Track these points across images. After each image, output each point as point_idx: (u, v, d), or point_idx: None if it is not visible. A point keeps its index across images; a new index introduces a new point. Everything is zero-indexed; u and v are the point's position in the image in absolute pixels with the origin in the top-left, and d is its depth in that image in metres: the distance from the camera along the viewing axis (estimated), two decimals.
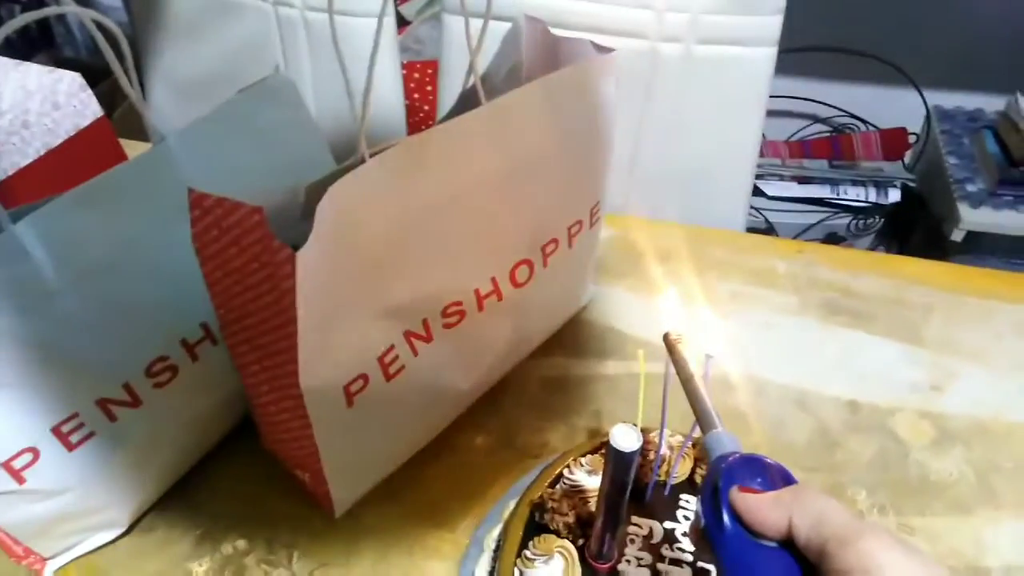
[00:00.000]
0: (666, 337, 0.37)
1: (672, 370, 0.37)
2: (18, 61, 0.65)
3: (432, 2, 1.41)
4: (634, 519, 0.44)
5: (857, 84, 1.46)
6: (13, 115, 0.59)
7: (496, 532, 0.48)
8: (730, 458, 0.31)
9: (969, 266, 0.70)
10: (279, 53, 0.87)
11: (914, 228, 1.41)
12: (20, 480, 0.41)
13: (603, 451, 0.47)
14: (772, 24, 0.75)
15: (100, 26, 0.36)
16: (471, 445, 0.55)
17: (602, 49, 0.47)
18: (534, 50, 0.51)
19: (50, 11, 0.32)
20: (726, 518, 0.30)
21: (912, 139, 1.47)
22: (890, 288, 0.67)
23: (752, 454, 0.32)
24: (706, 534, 0.31)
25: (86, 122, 0.66)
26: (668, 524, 0.44)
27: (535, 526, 0.44)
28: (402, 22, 1.38)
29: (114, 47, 0.38)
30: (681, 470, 0.45)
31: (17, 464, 0.41)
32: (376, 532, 0.50)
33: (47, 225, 0.39)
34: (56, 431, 0.42)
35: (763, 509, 0.29)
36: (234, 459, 0.54)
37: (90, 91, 0.66)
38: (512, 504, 0.48)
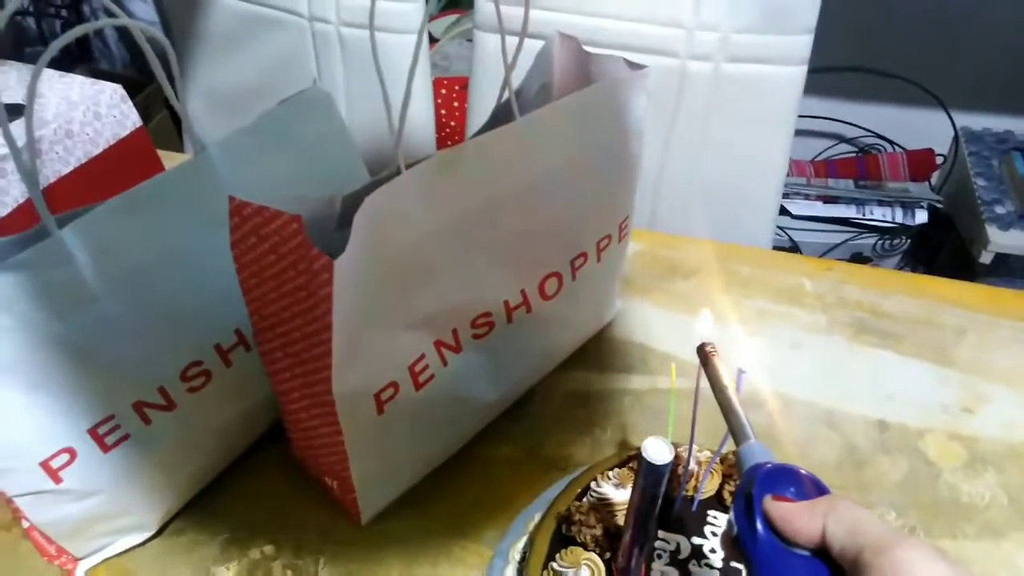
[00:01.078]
0: (701, 348, 0.37)
1: (703, 384, 0.37)
2: (63, 73, 0.67)
3: (460, 20, 1.42)
4: (661, 534, 0.44)
5: (884, 105, 1.45)
6: (57, 125, 0.61)
7: (521, 544, 0.48)
8: (764, 467, 0.31)
9: (1001, 288, 0.69)
10: (314, 68, 0.89)
11: (941, 249, 1.40)
12: (57, 480, 0.42)
13: (631, 464, 0.47)
14: (802, 44, 0.75)
15: (150, 39, 0.37)
16: (496, 456, 0.55)
17: (634, 66, 0.48)
18: (567, 67, 0.52)
19: (105, 23, 0.33)
20: (759, 526, 0.30)
21: (939, 160, 1.46)
22: (920, 308, 0.66)
23: (786, 464, 0.32)
24: (739, 542, 0.31)
25: (125, 132, 0.67)
26: (696, 540, 0.43)
27: (562, 538, 0.44)
28: (431, 39, 1.40)
29: (162, 60, 0.39)
30: (709, 486, 0.45)
31: (55, 464, 0.42)
32: (402, 541, 0.50)
33: (91, 231, 0.40)
34: (92, 432, 0.43)
35: (797, 517, 0.29)
36: (262, 465, 0.54)
37: (130, 102, 0.68)
38: (537, 516, 0.48)
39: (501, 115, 0.48)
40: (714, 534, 0.44)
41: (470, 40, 1.29)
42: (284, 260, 0.38)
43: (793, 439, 0.56)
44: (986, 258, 1.27)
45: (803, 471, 0.32)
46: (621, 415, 0.58)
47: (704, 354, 0.37)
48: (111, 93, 0.66)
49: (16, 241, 0.40)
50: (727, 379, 0.36)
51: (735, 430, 0.34)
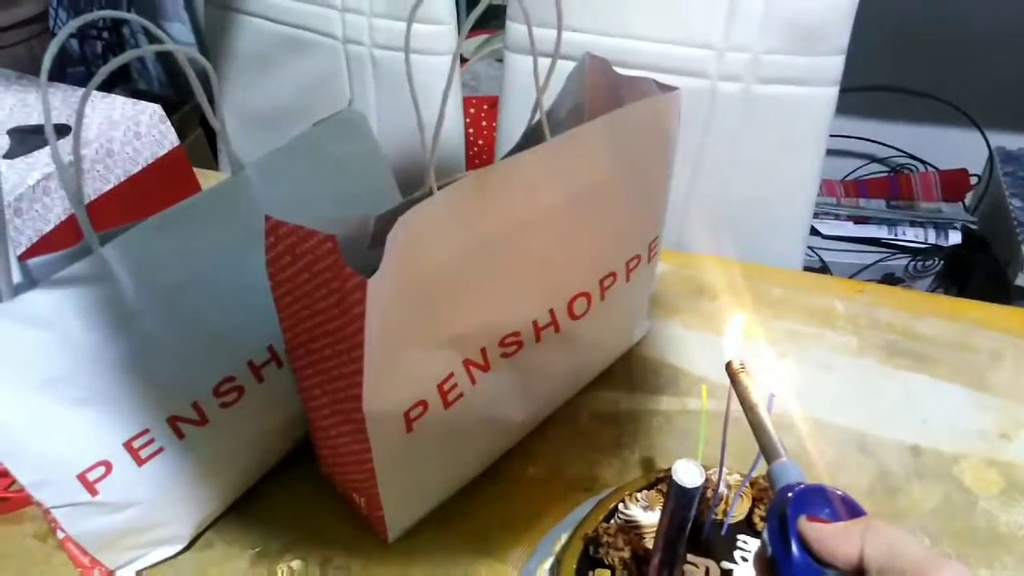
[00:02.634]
0: (729, 366, 0.37)
1: (733, 406, 0.37)
2: (104, 94, 0.69)
3: (489, 40, 1.44)
4: (690, 558, 0.43)
5: (917, 125, 1.43)
6: (99, 144, 0.63)
7: (547, 565, 0.48)
8: (798, 487, 0.31)
9: None
10: (346, 88, 0.90)
11: (975, 271, 1.37)
12: (93, 492, 0.43)
13: (660, 487, 0.47)
14: (834, 65, 0.75)
15: (193, 62, 0.38)
16: (522, 476, 0.55)
17: (665, 88, 0.48)
18: (598, 88, 0.52)
19: (150, 49, 0.34)
20: (794, 547, 0.29)
21: (973, 180, 1.43)
22: (955, 332, 0.65)
23: (820, 484, 0.31)
24: (773, 563, 0.30)
25: (163, 151, 0.69)
26: (725, 564, 0.43)
27: (589, 560, 0.44)
28: (460, 59, 1.42)
29: (203, 82, 0.40)
30: (739, 510, 0.45)
31: (91, 476, 0.43)
32: (428, 559, 0.50)
33: (132, 248, 0.41)
34: (128, 446, 0.44)
35: (833, 539, 0.29)
36: (291, 481, 0.55)
37: (169, 122, 0.70)
38: (564, 537, 0.48)
39: (532, 135, 0.49)
40: (744, 559, 0.43)
41: (499, 60, 1.30)
42: (318, 278, 0.38)
43: (824, 463, 0.55)
44: (1022, 280, 1.24)
45: (838, 491, 0.31)
46: (649, 436, 0.57)
47: (732, 372, 0.37)
48: (151, 113, 0.68)
49: (60, 258, 0.42)
50: (757, 397, 0.36)
51: (766, 448, 0.34)
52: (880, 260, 1.35)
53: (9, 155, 0.61)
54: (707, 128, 0.80)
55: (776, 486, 0.32)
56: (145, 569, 0.49)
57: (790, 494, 0.31)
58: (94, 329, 0.40)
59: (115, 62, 0.32)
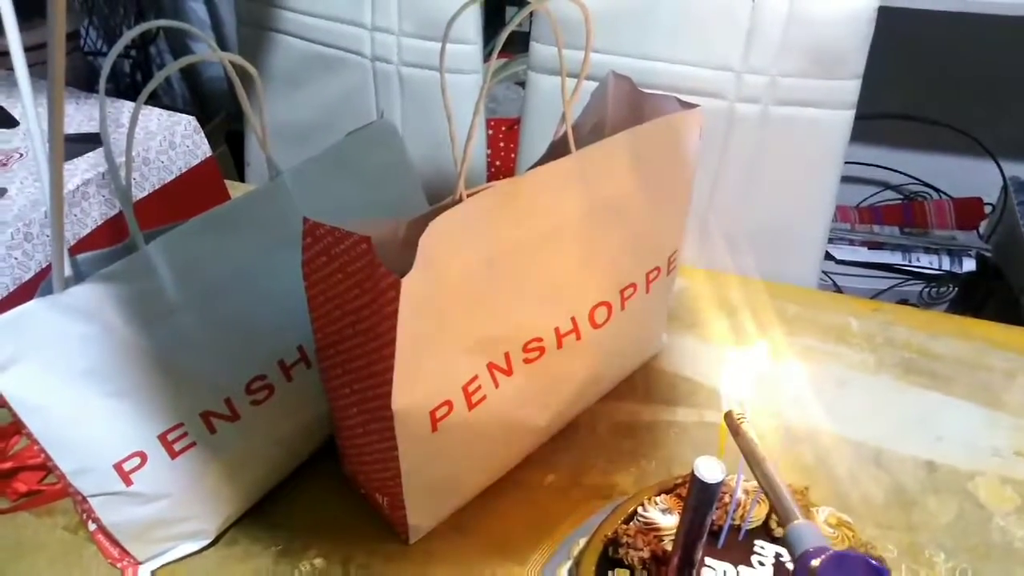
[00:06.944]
0: (729, 416, 0.36)
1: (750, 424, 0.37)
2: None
3: (508, 64, 1.47)
4: (708, 561, 0.44)
5: (931, 153, 1.45)
6: (135, 152, 0.65)
7: (566, 568, 0.48)
8: (824, 555, 0.30)
9: None
10: (373, 105, 0.93)
11: (989, 299, 1.37)
12: (128, 482, 0.44)
13: (677, 491, 0.48)
14: (850, 88, 0.77)
15: (238, 68, 0.40)
16: (541, 483, 0.56)
17: (687, 105, 0.50)
18: (620, 106, 0.54)
19: (199, 58, 0.36)
20: None
21: (987, 209, 1.44)
22: (970, 351, 0.66)
23: (848, 552, 0.30)
24: None
25: (196, 161, 0.72)
26: (743, 569, 0.44)
27: (608, 561, 0.44)
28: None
29: (248, 89, 0.42)
30: (756, 515, 0.45)
31: (127, 467, 0.44)
32: (447, 561, 0.51)
33: (174, 247, 0.43)
34: (162, 438, 0.45)
35: None
36: (314, 480, 0.56)
37: (202, 133, 0.72)
38: (582, 541, 0.49)
39: (557, 149, 0.50)
40: (761, 563, 0.44)
41: (518, 83, 1.33)
42: (351, 279, 0.40)
43: (839, 477, 0.56)
44: None
45: (872, 560, 0.30)
46: (667, 447, 0.58)
47: (734, 424, 0.36)
48: (185, 124, 0.70)
49: (105, 255, 0.43)
50: (763, 450, 0.35)
51: (779, 509, 0.33)
52: (894, 286, 1.36)
53: None
54: (725, 147, 0.81)
55: (795, 551, 0.31)
56: (172, 563, 0.50)
57: (815, 561, 0.30)
58: (135, 323, 0.42)
59: (173, 66, 0.34)
